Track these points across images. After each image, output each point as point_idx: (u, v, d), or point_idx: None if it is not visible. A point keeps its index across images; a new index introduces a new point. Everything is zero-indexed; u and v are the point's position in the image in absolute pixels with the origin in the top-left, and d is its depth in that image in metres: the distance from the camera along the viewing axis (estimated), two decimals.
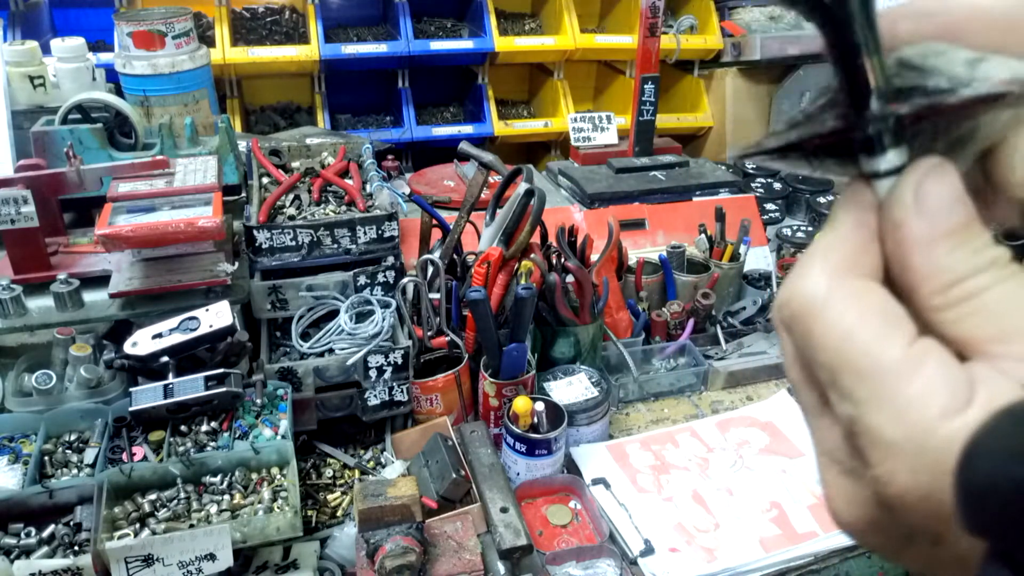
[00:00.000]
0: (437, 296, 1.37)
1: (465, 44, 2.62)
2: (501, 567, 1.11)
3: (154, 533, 0.99)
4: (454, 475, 1.13)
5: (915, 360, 0.26)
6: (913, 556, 0.29)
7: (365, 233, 1.38)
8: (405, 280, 1.35)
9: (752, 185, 2.28)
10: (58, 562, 0.95)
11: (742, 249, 1.75)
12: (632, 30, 2.55)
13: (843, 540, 1.19)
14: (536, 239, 1.46)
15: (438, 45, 2.59)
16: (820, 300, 0.28)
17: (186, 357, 1.15)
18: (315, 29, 2.49)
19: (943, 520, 0.25)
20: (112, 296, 1.24)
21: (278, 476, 1.11)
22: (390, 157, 2.16)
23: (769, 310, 1.72)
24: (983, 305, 0.27)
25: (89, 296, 1.27)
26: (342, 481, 1.28)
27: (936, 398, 0.25)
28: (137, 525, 1.01)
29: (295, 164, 1.60)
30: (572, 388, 1.39)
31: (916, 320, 0.28)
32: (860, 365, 0.27)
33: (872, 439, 0.26)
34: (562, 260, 1.46)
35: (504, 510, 1.15)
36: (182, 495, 1.05)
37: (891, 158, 0.28)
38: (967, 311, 0.27)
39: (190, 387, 1.11)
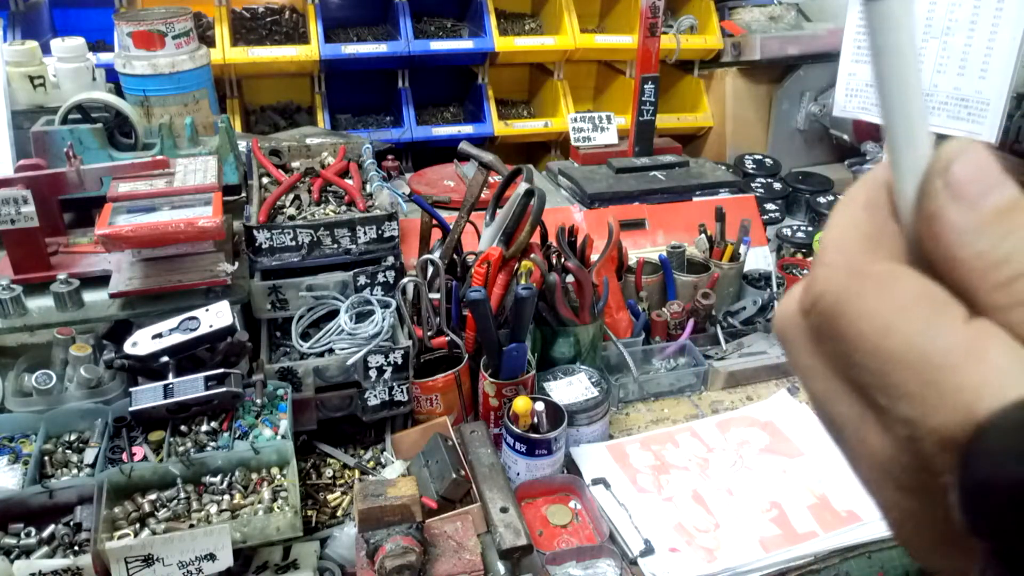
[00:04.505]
0: (437, 296, 1.37)
1: (465, 44, 2.62)
2: (501, 567, 1.11)
3: (154, 533, 0.99)
4: (454, 475, 1.13)
5: (975, 344, 0.22)
6: None
7: (365, 233, 1.38)
8: (405, 280, 1.35)
9: (752, 185, 2.28)
10: (58, 562, 0.95)
11: (742, 249, 1.75)
12: (632, 30, 2.55)
13: (843, 540, 1.19)
14: (536, 239, 1.45)
15: (438, 45, 2.59)
16: (848, 295, 0.25)
17: (186, 357, 1.15)
18: (315, 29, 2.49)
19: None
20: (112, 296, 1.24)
21: (278, 476, 1.11)
22: (390, 157, 2.16)
23: (769, 310, 1.71)
24: None
25: (89, 296, 1.27)
26: (342, 481, 1.27)
27: (1009, 385, 0.22)
28: (137, 525, 1.01)
29: (295, 164, 1.60)
30: (572, 388, 1.39)
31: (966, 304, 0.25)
32: (909, 359, 0.23)
33: (941, 442, 0.23)
34: (562, 260, 1.46)
35: (504, 510, 1.15)
36: (182, 495, 1.05)
37: None
38: None
39: (190, 387, 1.11)
